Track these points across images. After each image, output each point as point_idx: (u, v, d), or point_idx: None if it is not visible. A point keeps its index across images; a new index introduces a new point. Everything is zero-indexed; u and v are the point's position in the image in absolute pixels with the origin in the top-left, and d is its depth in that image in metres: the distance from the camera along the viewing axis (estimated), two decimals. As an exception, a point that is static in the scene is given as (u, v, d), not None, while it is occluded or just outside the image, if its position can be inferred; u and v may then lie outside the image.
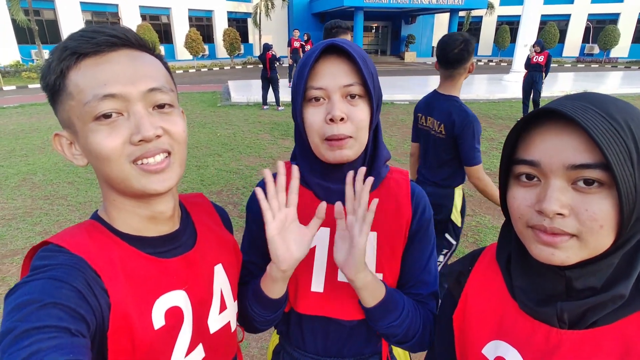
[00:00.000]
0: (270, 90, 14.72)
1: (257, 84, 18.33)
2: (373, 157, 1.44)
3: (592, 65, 34.54)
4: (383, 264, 1.43)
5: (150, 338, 1.08)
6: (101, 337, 1.00)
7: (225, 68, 31.95)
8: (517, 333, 1.06)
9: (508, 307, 1.10)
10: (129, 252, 1.11)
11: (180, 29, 34.21)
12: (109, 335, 1.01)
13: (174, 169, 1.12)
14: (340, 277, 1.45)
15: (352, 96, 1.28)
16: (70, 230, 1.10)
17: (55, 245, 1.04)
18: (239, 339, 1.47)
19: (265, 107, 14.74)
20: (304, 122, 1.33)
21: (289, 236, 1.24)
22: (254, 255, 1.54)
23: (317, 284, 1.47)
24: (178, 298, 1.16)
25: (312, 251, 1.46)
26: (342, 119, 1.26)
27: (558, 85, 19.73)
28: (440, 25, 40.80)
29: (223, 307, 1.33)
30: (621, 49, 38.20)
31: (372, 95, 1.29)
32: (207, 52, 34.64)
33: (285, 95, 16.09)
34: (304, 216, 1.36)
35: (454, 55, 3.14)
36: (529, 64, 12.55)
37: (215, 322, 1.30)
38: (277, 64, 14.30)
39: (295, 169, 1.27)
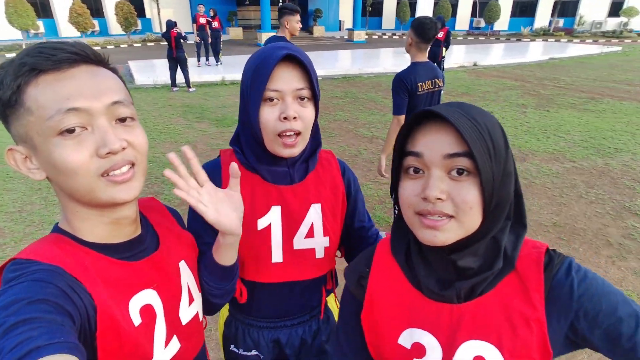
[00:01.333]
0: (179, 71, 14.13)
1: (162, 64, 17.71)
2: (313, 142, 1.70)
3: (480, 38, 36.85)
4: (328, 229, 1.70)
5: (133, 335, 1.15)
6: (89, 339, 1.05)
7: (122, 46, 29.48)
8: (425, 317, 1.21)
9: (412, 296, 1.25)
10: (99, 259, 1.15)
11: (62, 2, 30.89)
12: (98, 335, 1.06)
13: (138, 178, 1.17)
14: (297, 246, 1.68)
15: (302, 98, 1.51)
16: (36, 245, 1.12)
17: (24, 260, 1.06)
18: (204, 326, 1.55)
19: (174, 89, 14.20)
20: (259, 118, 1.51)
21: (223, 207, 1.30)
22: (210, 240, 1.58)
23: (277, 256, 1.67)
24: (149, 296, 1.23)
25: (268, 228, 1.64)
26: (294, 118, 1.49)
27: (453, 58, 21.09)
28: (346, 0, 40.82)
29: (191, 299, 1.41)
30: (502, 22, 40.81)
31: (317, 97, 1.55)
32: (97, 29, 32.23)
33: (195, 75, 15.77)
34: (256, 196, 1.61)
35: (434, 34, 4.41)
36: None
37: (186, 314, 1.38)
38: (183, 42, 13.86)
39: (234, 166, 1.35)
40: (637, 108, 12.22)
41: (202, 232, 1.60)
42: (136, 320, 1.17)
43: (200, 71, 17.36)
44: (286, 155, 1.54)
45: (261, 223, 1.63)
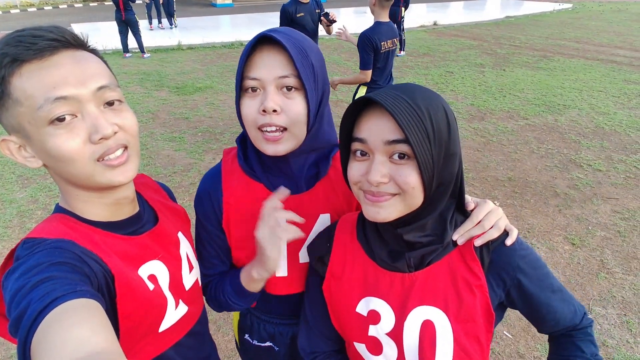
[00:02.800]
0: (131, 35, 13.39)
1: (110, 27, 17.11)
2: (328, 145, 1.55)
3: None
4: None
5: (149, 298, 1.21)
6: (108, 305, 1.09)
7: (61, 7, 27.31)
8: (380, 286, 1.27)
9: (368, 267, 1.30)
10: (105, 235, 1.20)
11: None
12: (117, 301, 1.11)
13: (133, 160, 1.19)
14: (302, 259, 1.59)
15: (289, 88, 1.33)
16: (44, 224, 1.15)
17: (36, 238, 1.09)
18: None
19: (127, 54, 13.58)
20: (240, 112, 1.39)
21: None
22: (214, 251, 1.61)
23: (281, 270, 1.60)
24: (157, 266, 1.29)
25: None
26: (274, 111, 1.32)
27: (414, 18, 21.06)
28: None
29: (191, 267, 1.46)
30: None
31: (307, 88, 1.33)
32: (32, -14, 29.46)
33: (149, 39, 15.20)
34: (259, 207, 1.39)
35: None
36: None
37: (188, 280, 1.43)
38: (132, 3, 13.11)
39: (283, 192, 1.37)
40: (584, 65, 12.58)
41: (206, 242, 1.62)
42: (150, 285, 1.24)
43: (154, 35, 16.80)
44: (270, 152, 1.39)
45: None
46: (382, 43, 5.18)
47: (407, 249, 1.24)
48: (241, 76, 1.35)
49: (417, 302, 1.24)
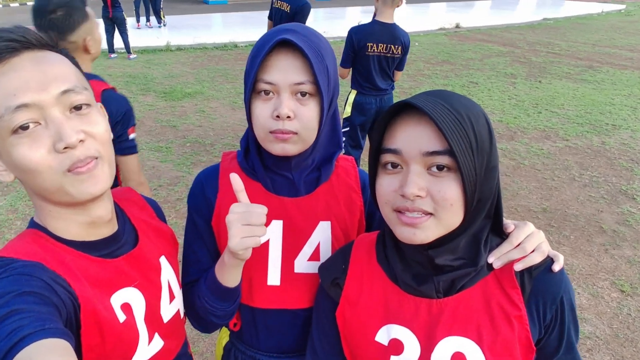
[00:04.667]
0: (117, 34, 13.54)
1: (101, 24, 17.02)
2: (329, 148, 1.64)
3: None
4: None
5: (118, 331, 1.22)
6: (74, 335, 1.11)
7: None
8: (404, 313, 1.29)
9: (390, 292, 1.33)
10: (78, 256, 1.22)
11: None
12: (82, 333, 1.14)
13: (105, 171, 1.20)
14: (297, 269, 1.64)
15: (303, 94, 1.42)
16: (15, 242, 1.20)
17: (5, 258, 1.13)
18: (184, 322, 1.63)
19: (112, 55, 13.81)
20: (250, 113, 1.48)
21: None
22: (201, 251, 1.69)
23: (274, 278, 1.64)
24: (131, 294, 1.31)
25: (265, 245, 1.61)
26: (288, 117, 1.41)
27: (432, 19, 20.99)
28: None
29: (172, 296, 1.49)
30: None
31: (323, 94, 1.43)
32: (13, -18, 30.41)
33: (135, 39, 15.19)
34: None
35: None
36: None
37: (168, 311, 1.46)
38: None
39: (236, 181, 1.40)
40: (639, 79, 12.43)
41: (192, 240, 1.70)
42: (121, 317, 1.25)
43: (140, 34, 16.94)
44: (279, 152, 1.48)
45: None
46: (369, 44, 5.33)
47: (434, 272, 1.25)
48: (254, 78, 1.42)
49: (447, 332, 1.24)
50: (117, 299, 1.27)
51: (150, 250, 1.44)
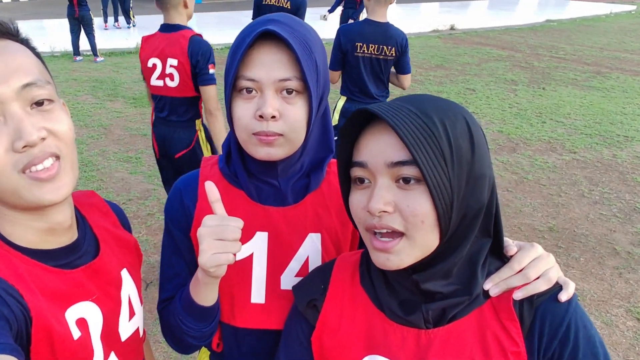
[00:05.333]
0: (83, 35, 13.53)
1: (60, 25, 17.27)
2: (319, 152, 1.62)
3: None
4: None
5: (71, 349, 1.22)
6: (24, 350, 1.12)
7: (4, 1, 28.03)
8: (389, 343, 1.27)
9: (374, 319, 1.30)
10: (33, 266, 1.21)
11: None
12: (32, 349, 1.14)
13: (67, 174, 1.20)
14: (284, 285, 1.62)
15: (289, 92, 1.40)
16: None
17: None
18: (143, 341, 1.63)
19: (78, 58, 13.85)
20: (231, 114, 1.46)
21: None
22: (179, 265, 1.67)
23: (258, 295, 1.62)
24: (88, 309, 1.30)
25: (249, 259, 1.60)
26: (273, 117, 1.38)
27: (424, 20, 21.13)
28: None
29: (132, 313, 1.49)
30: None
31: (311, 91, 1.41)
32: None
33: (102, 40, 15.26)
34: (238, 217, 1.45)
35: None
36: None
37: (126, 329, 1.45)
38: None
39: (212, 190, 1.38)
40: None
41: (170, 254, 1.68)
42: (75, 333, 1.24)
43: (108, 36, 17.02)
44: (263, 157, 1.45)
45: (241, 251, 1.51)
46: (358, 44, 5.32)
47: (423, 299, 1.23)
48: (235, 74, 1.39)
49: None
50: (73, 313, 1.25)
51: (111, 262, 1.43)
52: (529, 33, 19.66)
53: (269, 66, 1.37)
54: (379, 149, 1.13)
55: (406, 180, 1.11)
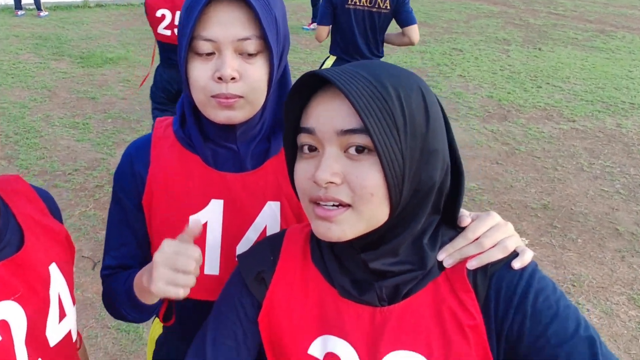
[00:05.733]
0: None
1: None
2: (279, 113, 1.66)
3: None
4: None
5: None
6: None
7: None
8: (342, 323, 1.29)
9: (327, 297, 1.33)
10: None
11: None
12: None
13: None
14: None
15: (250, 53, 1.46)
16: None
17: None
18: (77, 347, 1.60)
19: (19, 12, 13.87)
20: (187, 75, 1.51)
21: None
22: (126, 236, 1.73)
23: (211, 267, 1.67)
24: (9, 309, 1.28)
25: (203, 229, 1.62)
26: (233, 78, 1.44)
27: None
28: None
29: (62, 314, 1.46)
30: None
31: (272, 50, 1.48)
32: None
33: None
34: (192, 184, 1.60)
35: None
36: None
37: (55, 333, 1.43)
38: None
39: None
40: None
41: (117, 223, 1.73)
42: None
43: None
44: (223, 120, 1.50)
45: (193, 220, 1.60)
46: None
47: (375, 277, 1.25)
48: (191, 34, 1.44)
49: (392, 346, 1.24)
50: None
51: (37, 256, 1.39)
52: (524, -14, 19.63)
53: (226, 25, 1.41)
54: (328, 115, 1.14)
55: (357, 150, 1.12)
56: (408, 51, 11.42)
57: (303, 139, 1.20)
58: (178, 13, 4.95)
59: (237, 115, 1.50)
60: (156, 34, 5.38)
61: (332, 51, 5.86)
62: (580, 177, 6.71)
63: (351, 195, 1.13)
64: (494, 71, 10.52)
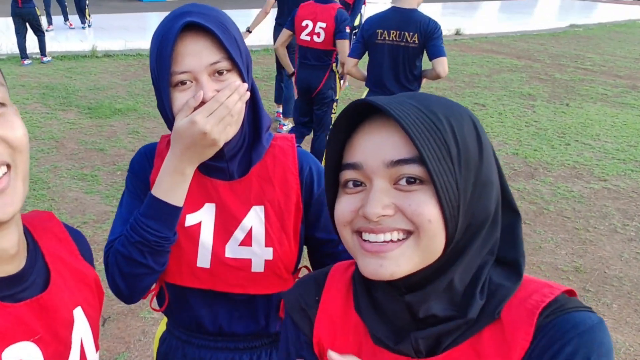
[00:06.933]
0: (31, 34, 13.76)
1: (5, 25, 17.45)
2: (254, 126, 1.90)
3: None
4: (272, 238, 1.92)
5: None
6: None
7: None
8: None
9: (365, 342, 1.32)
10: None
11: None
12: None
13: (17, 188, 1.20)
14: (228, 253, 1.92)
15: (220, 72, 1.68)
16: None
17: None
18: None
19: (26, 61, 13.92)
20: (171, 108, 1.71)
21: None
22: (132, 207, 1.94)
23: (204, 260, 1.93)
24: (27, 351, 1.26)
25: (197, 227, 1.91)
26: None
27: None
28: None
29: (84, 358, 1.46)
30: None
31: (240, 67, 1.70)
32: None
33: (54, 42, 15.44)
34: (190, 189, 1.82)
35: None
36: None
37: None
38: None
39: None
40: None
41: (128, 201, 2.00)
42: None
43: (60, 37, 17.09)
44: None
45: (190, 219, 1.91)
46: (379, 31, 5.89)
47: (414, 324, 1.22)
48: (169, 73, 1.64)
49: None
50: (9, 355, 1.20)
51: (62, 298, 1.39)
52: (549, 40, 19.81)
53: (198, 55, 1.63)
54: (376, 146, 1.14)
55: (409, 181, 1.11)
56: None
57: (347, 175, 1.20)
58: (318, 23, 7.22)
59: (230, 134, 1.72)
60: (298, 40, 7.56)
61: (367, 83, 6.36)
62: (613, 238, 6.68)
63: (407, 222, 1.12)
64: (519, 127, 10.52)
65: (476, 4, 29.30)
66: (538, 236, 6.64)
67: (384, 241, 1.13)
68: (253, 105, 1.86)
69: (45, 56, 14.13)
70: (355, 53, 6.24)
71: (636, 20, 24.98)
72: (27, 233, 1.40)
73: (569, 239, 6.61)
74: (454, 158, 1.10)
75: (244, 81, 1.70)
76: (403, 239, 1.13)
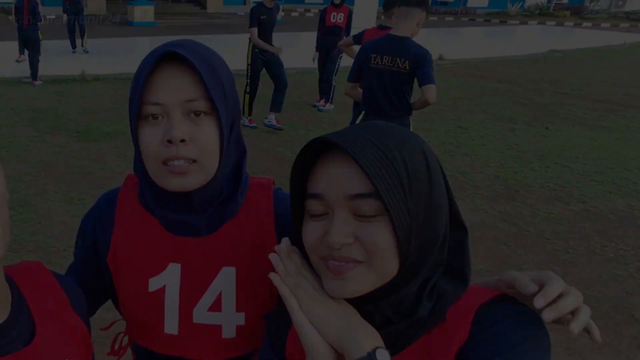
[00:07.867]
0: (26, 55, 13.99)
1: (9, 47, 17.74)
2: (234, 184, 1.70)
3: (447, 18, 38.16)
4: (243, 303, 1.73)
5: None
6: None
7: None
8: None
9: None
10: None
11: None
12: None
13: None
14: (196, 319, 1.74)
15: (197, 113, 1.48)
16: None
17: None
18: None
19: (36, 82, 14.41)
20: (138, 143, 1.55)
21: None
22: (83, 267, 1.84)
23: (171, 327, 1.76)
24: None
25: (161, 291, 1.72)
26: (182, 141, 1.45)
27: None
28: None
29: None
30: (480, -5, 41.73)
31: (220, 112, 1.50)
32: None
33: (44, 66, 15.43)
34: (151, 247, 1.69)
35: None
36: (323, 26, 12.87)
37: None
38: (41, 22, 13.74)
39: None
40: None
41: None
42: None
43: (50, 61, 17.11)
44: (176, 187, 1.52)
45: (153, 283, 1.73)
46: (372, 55, 6.22)
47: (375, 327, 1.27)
48: (139, 101, 1.48)
49: None
50: None
51: (46, 352, 1.34)
52: (529, 64, 20.00)
53: (173, 88, 1.45)
54: (337, 180, 1.20)
55: (366, 212, 1.17)
56: (412, 129, 11.44)
57: (312, 205, 1.26)
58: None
59: (191, 181, 1.52)
60: None
61: (362, 106, 6.65)
62: (592, 260, 6.69)
63: (364, 253, 1.18)
64: (501, 150, 10.60)
65: (457, 29, 29.61)
66: (518, 257, 6.65)
67: (344, 263, 1.20)
68: (237, 161, 1.70)
69: (36, 79, 14.42)
70: (352, 76, 6.56)
71: (613, 46, 25.27)
72: (13, 285, 1.37)
73: (549, 260, 6.63)
74: (406, 188, 1.16)
75: (221, 127, 1.52)
76: (361, 262, 1.19)
